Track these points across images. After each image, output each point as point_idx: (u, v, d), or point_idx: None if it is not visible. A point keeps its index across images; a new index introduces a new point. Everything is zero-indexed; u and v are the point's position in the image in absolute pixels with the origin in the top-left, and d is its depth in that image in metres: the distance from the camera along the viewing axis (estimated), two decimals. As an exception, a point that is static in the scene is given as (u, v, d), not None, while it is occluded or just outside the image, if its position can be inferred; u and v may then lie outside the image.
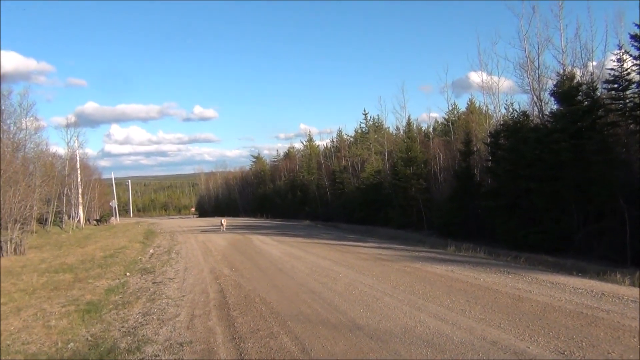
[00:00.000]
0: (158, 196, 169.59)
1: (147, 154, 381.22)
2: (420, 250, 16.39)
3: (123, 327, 7.70)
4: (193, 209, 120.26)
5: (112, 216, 62.09)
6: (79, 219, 46.45)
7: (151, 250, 19.97)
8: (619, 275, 9.58)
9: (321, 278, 10.93)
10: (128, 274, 13.51)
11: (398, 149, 38.24)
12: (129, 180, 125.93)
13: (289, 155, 69.98)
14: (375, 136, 48.50)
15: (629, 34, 19.07)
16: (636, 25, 18.59)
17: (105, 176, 77.70)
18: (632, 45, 18.96)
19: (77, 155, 45.23)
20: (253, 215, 59.19)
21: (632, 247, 16.98)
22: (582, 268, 11.95)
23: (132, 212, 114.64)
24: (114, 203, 67.82)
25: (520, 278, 9.87)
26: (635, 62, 18.80)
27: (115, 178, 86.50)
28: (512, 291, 8.61)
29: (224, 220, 31.63)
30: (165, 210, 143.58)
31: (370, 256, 14.83)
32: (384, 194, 38.08)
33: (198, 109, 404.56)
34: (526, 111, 25.14)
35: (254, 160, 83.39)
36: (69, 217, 43.48)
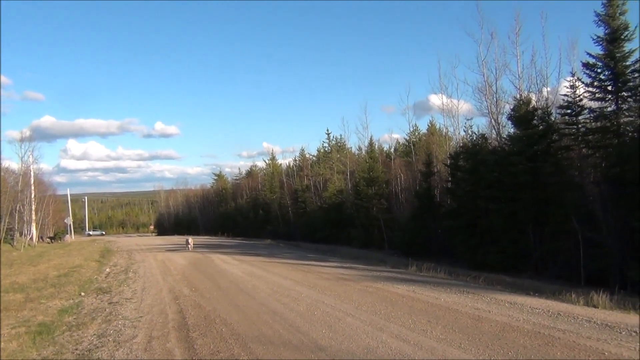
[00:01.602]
0: (115, 213, 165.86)
1: (105, 170, 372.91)
2: (382, 270, 16.45)
3: (77, 349, 7.41)
4: (152, 227, 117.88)
5: (67, 234, 60.18)
6: (32, 236, 44.85)
7: (107, 269, 19.40)
8: (574, 295, 9.82)
9: (283, 298, 10.82)
10: (83, 293, 13.07)
11: (360, 169, 38.56)
12: (86, 197, 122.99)
13: (251, 173, 69.65)
14: (338, 156, 48.83)
15: (581, 62, 19.94)
16: (588, 54, 19.46)
17: (60, 192, 75.48)
18: (584, 73, 19.83)
19: (32, 170, 43.86)
20: (214, 234, 58.41)
21: (585, 267, 17.50)
22: (539, 288, 12.21)
23: (89, 229, 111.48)
24: (69, 220, 65.85)
25: (479, 298, 10.02)
26: (587, 89, 19.61)
27: (71, 194, 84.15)
28: (472, 311, 8.72)
29: (190, 239, 30.77)
30: (123, 228, 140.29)
31: (332, 276, 14.79)
32: (346, 214, 38.23)
33: (160, 125, 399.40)
34: (485, 134, 25.83)
35: (215, 178, 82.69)
36: (20, 234, 41.96)
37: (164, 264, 20.47)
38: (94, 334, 8.33)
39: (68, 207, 77.06)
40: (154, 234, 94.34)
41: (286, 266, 18.40)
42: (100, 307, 11.05)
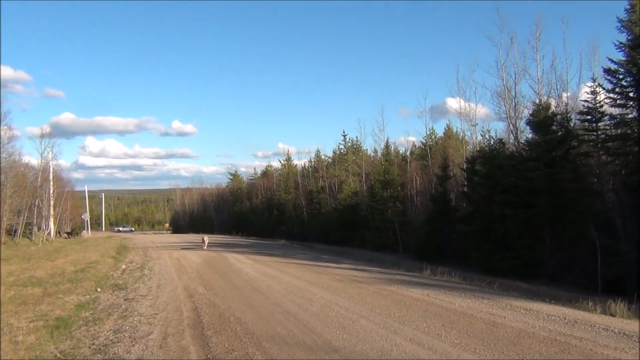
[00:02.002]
0: (132, 210, 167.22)
1: (123, 168, 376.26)
2: (396, 273, 16.42)
3: (93, 344, 7.51)
4: (167, 225, 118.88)
5: (84, 229, 60.90)
6: (50, 231, 45.45)
7: (123, 266, 19.60)
8: (591, 303, 9.72)
9: (297, 299, 10.86)
10: (99, 289, 13.23)
11: (376, 172, 38.45)
12: (103, 194, 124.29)
13: (266, 173, 69.76)
14: (354, 158, 48.74)
15: (602, 67, 19.68)
16: (610, 59, 19.22)
17: (78, 188, 76.37)
18: (606, 79, 19.55)
19: (51, 166, 44.44)
20: (228, 233, 58.63)
21: (602, 275, 17.28)
22: (555, 295, 12.09)
23: (105, 226, 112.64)
24: (86, 216, 66.69)
25: (494, 303, 9.96)
26: (608, 95, 19.37)
27: (88, 191, 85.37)
28: (487, 316, 8.67)
29: (206, 238, 30.94)
30: (139, 225, 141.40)
31: (346, 278, 14.80)
32: (360, 216, 38.16)
33: (177, 124, 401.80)
34: (502, 139, 25.63)
35: (231, 177, 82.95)
36: (39, 229, 42.54)
37: (179, 262, 20.63)
38: (110, 330, 8.43)
39: (85, 203, 78.06)
40: (169, 232, 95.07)
41: (300, 267, 18.44)
42: (116, 303, 11.18)
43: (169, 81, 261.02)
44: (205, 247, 28.32)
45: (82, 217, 65.45)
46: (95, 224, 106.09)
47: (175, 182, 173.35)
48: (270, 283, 13.61)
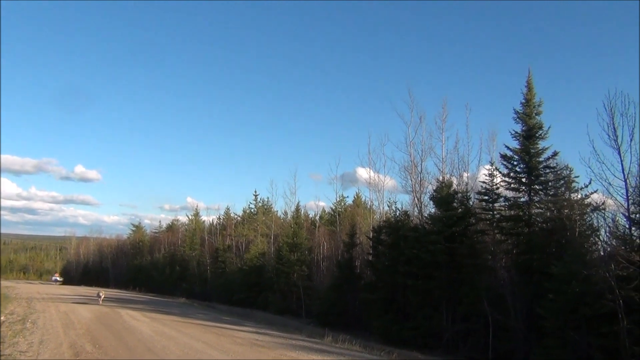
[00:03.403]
0: (18, 257, 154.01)
1: (13, 210, 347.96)
2: (298, 339, 16.23)
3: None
4: (57, 275, 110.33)
5: (-40, 275, 55.16)
6: None
7: (2, 318, 17.87)
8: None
9: (194, 361, 10.40)
10: (-29, 343, 11.95)
11: (285, 234, 38.45)
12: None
13: (172, 227, 67.67)
14: (264, 218, 48.57)
15: (499, 153, 21.51)
16: (506, 146, 21.08)
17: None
18: (502, 164, 21.35)
19: None
20: (125, 287, 55.46)
21: (493, 348, 18.10)
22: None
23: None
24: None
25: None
26: (503, 178, 21.06)
27: (-30, 232, 77.83)
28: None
29: (102, 292, 28.48)
30: (25, 274, 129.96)
31: (246, 341, 14.41)
32: (266, 278, 37.63)
33: (80, 169, 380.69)
34: (407, 211, 26.64)
35: (133, 229, 79.43)
36: None
37: (67, 316, 19.17)
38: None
39: (-35, 245, 71.07)
40: (58, 283, 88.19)
41: (199, 327, 17.75)
42: (-10, 359, 10.14)
43: (73, 124, 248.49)
44: (100, 302, 26.40)
45: (-41, 261, 59.43)
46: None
47: (71, 230, 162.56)
48: (166, 344, 12.95)
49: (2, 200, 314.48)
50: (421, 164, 26.37)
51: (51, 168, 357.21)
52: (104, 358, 10.47)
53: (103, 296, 27.38)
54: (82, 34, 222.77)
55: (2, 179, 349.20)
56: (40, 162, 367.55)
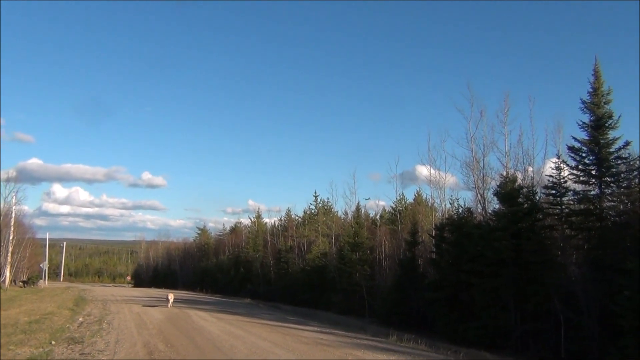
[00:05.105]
0: (93, 261, 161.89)
1: (87, 216, 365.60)
2: (362, 338, 16.23)
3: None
4: (129, 278, 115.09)
5: (41, 279, 58.58)
6: (4, 279, 43.60)
7: (81, 319, 18.89)
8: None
9: (261, 360, 10.60)
10: (54, 342, 12.69)
11: (346, 234, 38.49)
12: (64, 242, 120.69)
13: (235, 230, 69.05)
14: (324, 219, 48.80)
15: (566, 145, 20.62)
16: (574, 138, 20.19)
17: (39, 235, 74.06)
18: (570, 156, 20.49)
19: (13, 211, 43.22)
20: (192, 289, 57.20)
21: (565, 348, 17.40)
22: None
23: (63, 276, 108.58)
24: (45, 265, 64.30)
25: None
26: (571, 171, 20.20)
27: (49, 238, 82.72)
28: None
29: (171, 295, 29.14)
30: (99, 277, 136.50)
31: (311, 340, 14.55)
32: (328, 278, 37.80)
33: (147, 176, 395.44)
34: (470, 208, 26.11)
35: (198, 232, 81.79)
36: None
37: (140, 317, 20.00)
38: (64, 386, 8.06)
39: (45, 251, 75.60)
40: (130, 285, 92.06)
41: (265, 327, 18.08)
42: (70, 357, 10.75)
43: (140, 132, 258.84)
44: (169, 306, 27.16)
45: (40, 265, 63.01)
46: (54, 274, 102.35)
47: (140, 234, 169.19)
48: (234, 343, 13.28)
49: (78, 207, 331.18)
50: (483, 160, 25.79)
51: (120, 176, 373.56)
52: (176, 357, 10.85)
53: (172, 300, 28.11)
54: (145, 37, 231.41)
55: (76, 187, 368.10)
56: (110, 170, 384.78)
